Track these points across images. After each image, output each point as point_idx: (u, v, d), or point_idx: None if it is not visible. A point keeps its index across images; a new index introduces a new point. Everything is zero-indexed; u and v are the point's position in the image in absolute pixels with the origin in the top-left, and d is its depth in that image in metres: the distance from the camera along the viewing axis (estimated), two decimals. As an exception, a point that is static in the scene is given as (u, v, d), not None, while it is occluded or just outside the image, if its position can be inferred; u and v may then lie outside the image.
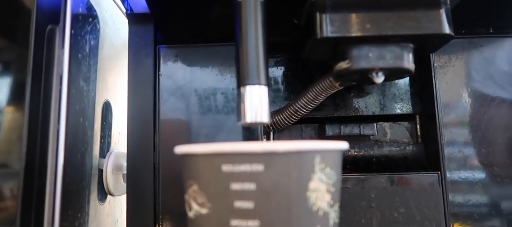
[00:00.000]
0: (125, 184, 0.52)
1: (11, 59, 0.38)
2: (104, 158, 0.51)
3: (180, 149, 0.28)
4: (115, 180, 0.51)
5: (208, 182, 0.26)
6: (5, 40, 0.39)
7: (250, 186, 0.25)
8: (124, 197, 0.47)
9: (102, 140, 0.51)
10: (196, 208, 0.27)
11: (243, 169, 0.25)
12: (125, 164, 0.53)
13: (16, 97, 0.37)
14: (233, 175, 0.25)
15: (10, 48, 0.39)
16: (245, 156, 0.25)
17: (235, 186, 0.25)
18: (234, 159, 0.25)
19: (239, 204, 0.25)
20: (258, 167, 0.25)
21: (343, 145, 0.27)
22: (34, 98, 0.37)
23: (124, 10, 0.50)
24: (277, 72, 0.47)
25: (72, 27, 0.41)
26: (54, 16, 0.40)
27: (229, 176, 0.25)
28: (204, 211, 0.26)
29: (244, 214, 0.25)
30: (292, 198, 0.25)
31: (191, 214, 0.27)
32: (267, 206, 0.25)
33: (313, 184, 0.26)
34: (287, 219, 0.25)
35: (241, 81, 0.30)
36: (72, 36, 0.41)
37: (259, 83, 0.30)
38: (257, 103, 0.30)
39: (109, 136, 0.53)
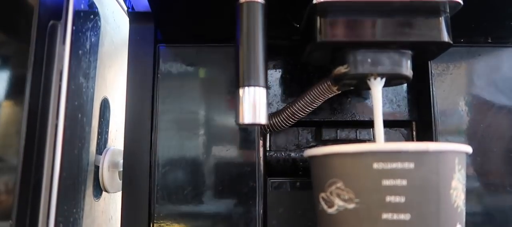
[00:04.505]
0: (120, 182, 0.52)
1: (12, 54, 0.39)
2: (101, 154, 0.51)
3: (324, 150, 0.29)
4: (111, 177, 0.51)
5: (357, 179, 0.27)
6: (7, 35, 0.39)
7: (402, 182, 0.26)
8: (119, 195, 0.47)
9: (99, 137, 0.51)
10: (340, 203, 0.28)
11: (394, 166, 0.27)
12: (121, 161, 0.53)
13: (16, 91, 0.38)
14: (384, 172, 0.27)
15: (11, 43, 0.39)
16: (397, 155, 0.27)
17: (387, 182, 0.27)
18: (386, 158, 0.27)
19: (391, 198, 0.27)
20: (410, 165, 0.26)
21: (470, 149, 0.30)
22: (33, 93, 0.37)
23: (125, 8, 0.50)
24: (276, 74, 0.47)
25: (73, 24, 0.41)
26: (56, 12, 0.40)
27: (381, 173, 0.27)
28: (351, 206, 0.28)
29: (396, 208, 0.26)
30: (440, 194, 0.27)
31: (331, 210, 0.29)
32: (418, 200, 0.26)
33: (454, 183, 0.28)
34: (435, 213, 0.27)
35: (240, 82, 0.30)
36: (73, 33, 0.41)
37: (258, 85, 0.30)
38: (255, 105, 0.30)
39: (106, 133, 0.53)
